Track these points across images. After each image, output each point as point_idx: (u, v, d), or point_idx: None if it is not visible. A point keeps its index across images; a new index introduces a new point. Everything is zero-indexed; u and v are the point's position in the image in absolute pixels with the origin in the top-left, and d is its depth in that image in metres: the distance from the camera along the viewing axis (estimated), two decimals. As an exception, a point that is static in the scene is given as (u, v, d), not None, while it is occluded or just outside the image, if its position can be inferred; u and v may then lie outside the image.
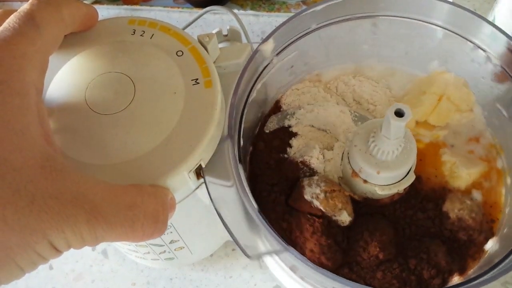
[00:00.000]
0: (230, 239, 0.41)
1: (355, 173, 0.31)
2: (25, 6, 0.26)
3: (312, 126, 0.36)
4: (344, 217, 0.31)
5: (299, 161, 0.33)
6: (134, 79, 0.28)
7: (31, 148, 0.22)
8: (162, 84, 0.28)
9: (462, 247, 0.32)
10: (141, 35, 0.30)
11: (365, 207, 0.33)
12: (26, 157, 0.21)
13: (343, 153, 0.34)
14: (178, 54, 0.29)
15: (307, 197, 0.31)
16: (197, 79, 0.28)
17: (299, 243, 0.31)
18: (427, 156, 0.35)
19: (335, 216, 0.31)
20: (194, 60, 0.29)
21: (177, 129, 0.27)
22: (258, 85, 0.33)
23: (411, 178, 0.31)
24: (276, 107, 0.38)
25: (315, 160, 0.33)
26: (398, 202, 0.33)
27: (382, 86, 0.38)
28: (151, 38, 0.30)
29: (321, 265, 0.30)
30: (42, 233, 0.21)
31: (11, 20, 0.25)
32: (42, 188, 0.21)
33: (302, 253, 0.30)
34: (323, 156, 0.34)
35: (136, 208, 0.23)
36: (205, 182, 0.29)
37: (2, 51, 0.23)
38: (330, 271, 0.26)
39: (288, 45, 0.35)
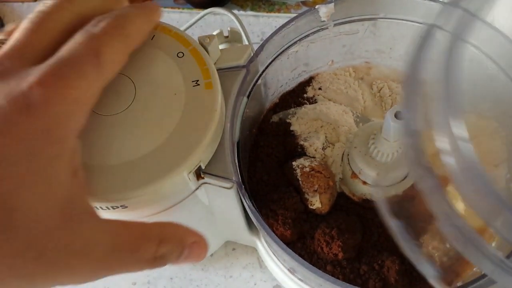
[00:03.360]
0: (230, 239, 0.42)
1: (354, 175, 0.32)
2: (96, 34, 0.23)
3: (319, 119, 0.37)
4: (315, 201, 0.31)
5: (300, 144, 0.34)
6: (134, 80, 0.28)
7: (55, 196, 0.21)
8: (163, 85, 0.28)
9: (418, 275, 0.31)
10: None
11: (345, 205, 0.33)
12: (48, 206, 0.21)
13: (343, 154, 0.34)
14: (179, 56, 0.29)
15: (294, 163, 0.31)
16: (197, 80, 0.28)
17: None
18: None
19: (308, 195, 0.31)
20: (194, 62, 0.29)
21: (177, 130, 0.27)
22: (259, 83, 0.34)
23: (411, 180, 0.31)
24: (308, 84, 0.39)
25: (318, 147, 0.34)
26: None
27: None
28: (152, 39, 0.30)
29: (280, 235, 0.31)
30: (46, 283, 0.21)
31: (77, 51, 0.22)
32: (54, 240, 0.21)
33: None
34: (326, 144, 0.34)
35: (146, 256, 0.24)
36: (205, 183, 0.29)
37: (56, 93, 0.21)
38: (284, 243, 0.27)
39: (289, 45, 0.36)
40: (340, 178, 0.34)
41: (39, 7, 0.24)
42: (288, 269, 0.33)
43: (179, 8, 0.58)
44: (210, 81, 0.29)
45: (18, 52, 0.23)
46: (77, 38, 0.23)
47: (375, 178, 0.30)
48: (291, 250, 0.27)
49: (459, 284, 0.29)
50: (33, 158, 0.21)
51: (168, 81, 0.28)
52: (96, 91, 0.23)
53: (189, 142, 0.27)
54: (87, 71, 0.22)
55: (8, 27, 0.26)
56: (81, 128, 0.23)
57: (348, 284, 0.26)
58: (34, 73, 0.21)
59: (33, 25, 0.23)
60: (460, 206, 0.32)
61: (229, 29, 0.42)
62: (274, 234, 0.28)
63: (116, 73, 0.25)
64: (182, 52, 0.29)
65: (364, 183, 0.31)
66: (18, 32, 0.23)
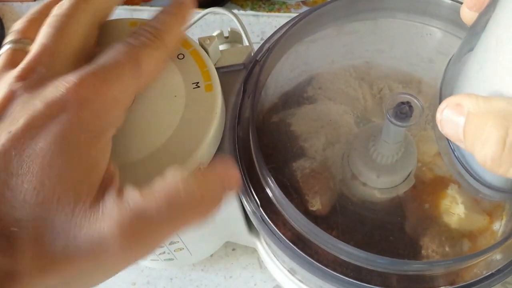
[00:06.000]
0: (230, 239, 0.42)
1: (354, 176, 0.31)
2: (136, 45, 0.24)
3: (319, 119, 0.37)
4: (315, 202, 0.31)
5: (300, 145, 0.34)
6: None
7: (87, 181, 0.22)
8: (163, 87, 0.28)
9: (419, 276, 0.31)
10: None
11: (345, 206, 0.33)
12: (79, 194, 0.21)
13: (343, 155, 0.34)
14: (179, 57, 0.29)
15: (294, 165, 0.31)
16: (197, 82, 0.28)
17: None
18: (432, 185, 0.33)
19: (308, 196, 0.31)
20: (195, 63, 0.29)
21: (177, 132, 0.27)
22: (259, 84, 0.33)
23: (411, 182, 0.31)
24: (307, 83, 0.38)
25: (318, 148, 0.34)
26: (383, 211, 0.33)
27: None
28: None
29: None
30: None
31: (117, 59, 0.23)
32: (75, 226, 0.21)
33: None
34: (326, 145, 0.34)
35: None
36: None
37: (95, 92, 0.22)
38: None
39: (290, 45, 0.35)
40: (340, 179, 0.34)
41: (56, 10, 0.25)
42: (288, 270, 0.33)
43: (179, 7, 0.58)
44: (210, 84, 0.29)
45: (48, 57, 0.23)
46: (117, 47, 0.24)
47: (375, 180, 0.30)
48: (291, 251, 0.27)
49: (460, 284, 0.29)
50: (70, 149, 0.21)
51: (168, 83, 0.28)
52: (132, 94, 0.24)
53: (189, 144, 0.27)
54: (125, 76, 0.23)
55: (16, 26, 0.26)
56: (118, 126, 0.24)
57: (348, 285, 0.26)
58: (73, 77, 0.22)
59: (55, 29, 0.24)
60: (460, 208, 0.32)
61: (229, 29, 0.42)
62: (274, 234, 0.28)
63: (154, 79, 0.26)
64: (183, 54, 0.29)
65: (364, 184, 0.31)
66: (41, 37, 0.24)
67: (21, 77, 0.23)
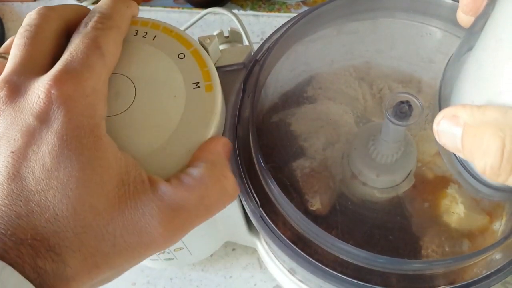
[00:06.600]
0: (230, 239, 0.42)
1: (354, 176, 0.31)
2: (90, 31, 0.25)
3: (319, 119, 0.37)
4: (315, 202, 0.31)
5: (300, 144, 0.34)
6: (134, 81, 0.28)
7: (110, 180, 0.22)
8: (163, 87, 0.28)
9: (419, 276, 0.31)
10: (143, 36, 0.30)
11: (345, 206, 0.33)
12: (106, 193, 0.22)
13: (342, 155, 0.34)
14: (180, 57, 0.29)
15: (294, 164, 0.31)
16: (198, 82, 0.28)
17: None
18: (432, 184, 0.33)
19: (307, 196, 0.31)
20: (195, 63, 0.29)
21: (177, 132, 0.27)
22: (259, 83, 0.34)
23: (411, 181, 0.31)
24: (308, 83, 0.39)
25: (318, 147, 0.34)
26: (383, 210, 0.33)
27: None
28: (153, 39, 0.30)
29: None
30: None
31: (78, 49, 0.24)
32: (120, 227, 0.22)
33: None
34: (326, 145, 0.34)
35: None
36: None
37: (76, 90, 0.23)
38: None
39: (290, 45, 0.35)
40: (340, 179, 0.34)
41: (26, 21, 0.26)
42: (288, 270, 0.33)
43: (179, 7, 0.58)
44: (210, 84, 0.29)
45: (22, 66, 0.24)
46: (74, 40, 0.25)
47: (375, 179, 0.30)
48: (291, 251, 0.27)
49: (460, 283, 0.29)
50: (77, 156, 0.22)
51: (169, 82, 0.28)
52: (106, 80, 0.25)
53: (189, 144, 0.27)
54: (93, 62, 0.24)
55: (6, 43, 0.27)
56: (105, 115, 0.25)
57: (348, 284, 0.26)
58: (47, 78, 0.23)
59: (27, 39, 0.25)
60: (460, 207, 0.32)
61: (229, 29, 0.42)
62: (274, 234, 0.28)
63: (117, 61, 0.27)
64: (183, 53, 0.29)
65: (364, 184, 0.31)
66: (15, 48, 0.25)
67: (0, 89, 0.23)
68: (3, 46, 0.27)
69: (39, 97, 0.22)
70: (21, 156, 0.21)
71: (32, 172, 0.21)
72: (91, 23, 0.25)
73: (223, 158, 0.26)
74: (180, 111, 0.27)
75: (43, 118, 0.22)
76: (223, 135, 0.30)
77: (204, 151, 0.26)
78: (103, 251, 0.22)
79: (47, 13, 0.26)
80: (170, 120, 0.27)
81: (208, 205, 0.25)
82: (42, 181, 0.21)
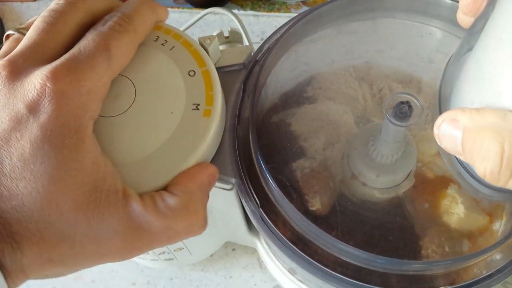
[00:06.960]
0: (230, 239, 0.42)
1: (354, 176, 0.31)
2: (105, 31, 0.24)
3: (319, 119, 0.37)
4: (315, 202, 0.31)
5: (300, 144, 0.34)
6: (137, 87, 0.28)
7: (82, 184, 0.22)
8: (163, 100, 0.28)
9: (419, 276, 0.31)
10: (162, 44, 0.29)
11: (345, 206, 0.33)
12: (75, 197, 0.22)
13: (342, 155, 0.34)
14: (190, 74, 0.29)
15: (294, 164, 0.31)
16: (198, 104, 0.28)
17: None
18: (432, 184, 0.33)
19: (307, 196, 0.31)
20: (202, 85, 0.28)
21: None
22: (259, 84, 0.34)
23: (411, 182, 0.31)
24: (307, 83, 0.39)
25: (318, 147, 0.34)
26: (383, 211, 0.33)
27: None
28: (170, 49, 0.29)
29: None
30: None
31: (87, 46, 0.24)
32: (82, 232, 0.22)
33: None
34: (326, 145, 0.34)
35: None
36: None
37: (71, 88, 0.22)
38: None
39: (290, 45, 0.35)
40: (340, 179, 0.34)
41: (52, 6, 0.25)
42: (288, 270, 0.33)
43: (179, 7, 0.58)
44: (210, 109, 0.28)
45: (32, 51, 0.23)
46: (88, 36, 0.24)
47: (375, 180, 0.30)
48: (291, 251, 0.27)
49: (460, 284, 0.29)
50: (56, 154, 0.22)
51: (170, 98, 0.28)
52: (107, 82, 0.24)
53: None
54: (97, 63, 0.23)
55: (30, 20, 0.26)
56: (95, 117, 0.24)
57: (348, 285, 0.26)
58: (46, 70, 0.22)
59: (46, 24, 0.24)
60: (460, 208, 0.32)
61: (229, 29, 0.42)
62: (274, 234, 0.28)
63: (125, 65, 0.26)
64: (194, 71, 0.29)
65: (364, 184, 0.31)
66: (32, 30, 0.24)
67: (3, 67, 0.23)
68: (27, 22, 0.26)
69: (34, 87, 0.22)
70: (3, 139, 0.22)
71: (10, 158, 0.21)
72: (109, 22, 0.25)
73: (202, 191, 0.26)
74: (172, 128, 0.27)
75: (32, 108, 0.22)
76: (223, 135, 0.30)
77: (188, 178, 0.26)
78: (60, 250, 0.22)
79: (75, 1, 0.25)
80: (159, 135, 0.27)
81: (172, 235, 0.25)
82: (17, 169, 0.21)
